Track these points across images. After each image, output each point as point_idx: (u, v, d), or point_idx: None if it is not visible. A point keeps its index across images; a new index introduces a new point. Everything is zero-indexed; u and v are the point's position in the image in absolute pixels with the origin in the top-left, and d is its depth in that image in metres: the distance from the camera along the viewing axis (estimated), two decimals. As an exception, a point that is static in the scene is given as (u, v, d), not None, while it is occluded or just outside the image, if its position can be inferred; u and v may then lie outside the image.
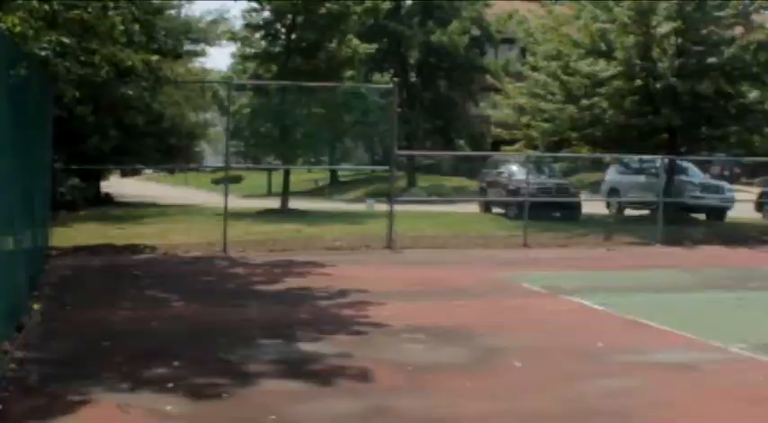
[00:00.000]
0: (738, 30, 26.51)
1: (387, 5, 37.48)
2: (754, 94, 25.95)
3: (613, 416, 7.50)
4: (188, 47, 39.43)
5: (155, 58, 19.23)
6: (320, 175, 53.19)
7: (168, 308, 12.25)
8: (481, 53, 46.97)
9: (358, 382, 8.24)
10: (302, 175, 49.89)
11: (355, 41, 31.25)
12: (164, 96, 32.80)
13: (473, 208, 29.67)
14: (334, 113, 30.52)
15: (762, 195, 31.63)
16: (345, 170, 54.61)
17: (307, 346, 9.69)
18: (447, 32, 42.61)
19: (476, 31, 45.83)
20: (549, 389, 8.20)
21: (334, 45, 30.54)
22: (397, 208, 21.25)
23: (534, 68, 27.91)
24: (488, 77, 42.75)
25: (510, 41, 46.93)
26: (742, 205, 29.64)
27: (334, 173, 52.65)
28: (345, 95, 31.31)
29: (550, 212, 25.84)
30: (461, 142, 46.17)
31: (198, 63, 40.92)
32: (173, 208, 32.82)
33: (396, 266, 17.09)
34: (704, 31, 25.59)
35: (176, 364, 8.71)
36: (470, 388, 8.15)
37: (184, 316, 11.62)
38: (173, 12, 38.27)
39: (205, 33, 40.33)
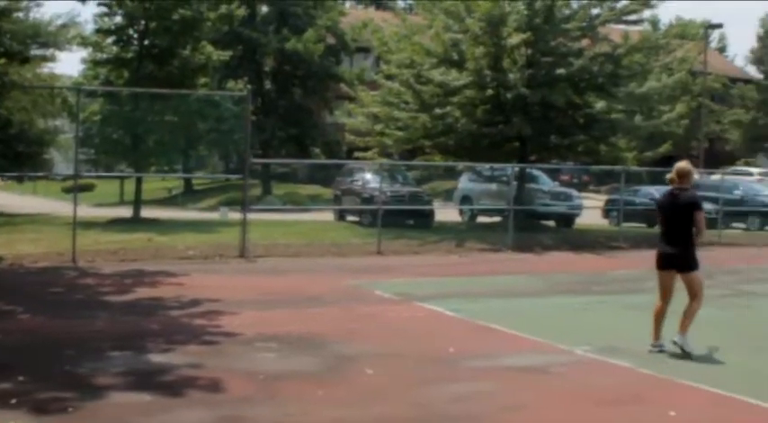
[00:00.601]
0: (585, 42, 27.28)
1: (241, 12, 37.19)
2: (600, 105, 26.75)
3: (463, 420, 7.59)
4: (36, 51, 38.25)
5: (0, 61, 18.61)
6: (174, 183, 52.40)
7: (13, 320, 11.84)
8: (336, 61, 47.07)
9: (209, 393, 8.13)
10: (155, 184, 49.08)
11: (209, 48, 30.90)
12: (11, 102, 31.77)
13: (328, 216, 29.70)
14: (188, 121, 30.05)
15: (608, 202, 32.59)
16: (200, 178, 53.96)
17: (157, 358, 9.51)
18: (302, 40, 42.53)
19: (331, 40, 45.92)
20: (400, 395, 8.25)
21: (187, 51, 30.12)
22: (252, 216, 21.11)
23: (388, 77, 28.12)
24: (344, 86, 42.89)
25: (365, 50, 47.18)
26: (590, 212, 30.45)
27: (188, 181, 51.97)
28: (199, 103, 30.89)
29: (404, 220, 26.05)
30: (316, 150, 46.15)
31: (47, 68, 39.67)
32: (20, 217, 31.86)
33: (249, 275, 16.95)
34: (553, 43, 26.22)
35: (21, 378, 8.41)
36: (322, 396, 8.13)
37: (30, 329, 11.25)
38: (20, 14, 37.09)
39: (54, 37, 39.16)
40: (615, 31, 28.70)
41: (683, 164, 11.02)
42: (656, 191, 30.96)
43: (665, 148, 30.21)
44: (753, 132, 63.94)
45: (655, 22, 71.69)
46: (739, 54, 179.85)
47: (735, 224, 31.69)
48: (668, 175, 10.94)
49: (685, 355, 10.30)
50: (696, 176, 36.41)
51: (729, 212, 30.12)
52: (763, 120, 63.34)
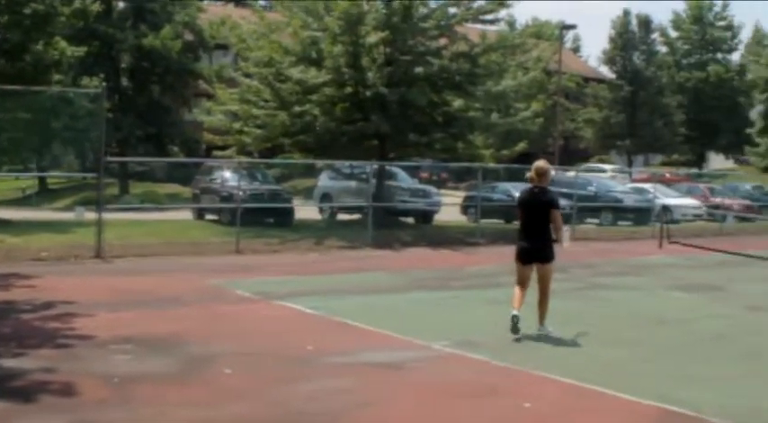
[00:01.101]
0: (444, 41, 27.62)
1: (96, 8, 36.35)
2: (458, 103, 27.11)
3: (321, 417, 7.60)
4: None
5: None
6: (28, 182, 50.86)
7: None
8: (195, 58, 46.44)
9: (62, 397, 7.93)
10: (8, 184, 47.58)
11: (63, 44, 30.09)
12: None
13: (187, 215, 29.30)
14: (42, 118, 29.23)
15: (467, 199, 33.08)
16: (55, 177, 52.56)
17: (8, 363, 9.21)
18: (159, 37, 41.81)
19: (189, 36, 45.29)
20: (257, 394, 8.21)
21: (40, 47, 29.28)
22: (109, 216, 20.70)
23: (247, 75, 27.92)
24: (202, 83, 42.38)
25: (224, 47, 46.68)
26: (448, 209, 30.86)
27: (43, 180, 50.52)
28: (53, 100, 30.06)
29: (264, 218, 25.88)
30: (175, 149, 45.45)
31: None
32: None
33: (105, 276, 16.58)
34: (411, 42, 26.46)
35: None
36: (178, 397, 8.03)
37: None
38: None
39: None
40: (473, 30, 29.14)
41: (541, 163, 11.52)
42: (514, 187, 31.68)
43: (521, 146, 30.85)
44: (606, 130, 65.82)
45: (512, 23, 73.16)
46: (593, 54, 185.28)
47: (589, 219, 32.55)
48: (528, 174, 11.39)
49: (555, 340, 10.92)
50: (552, 173, 37.28)
51: (583, 208, 30.93)
52: (615, 118, 65.24)
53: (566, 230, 12.57)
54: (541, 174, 11.29)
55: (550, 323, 11.35)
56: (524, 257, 11.33)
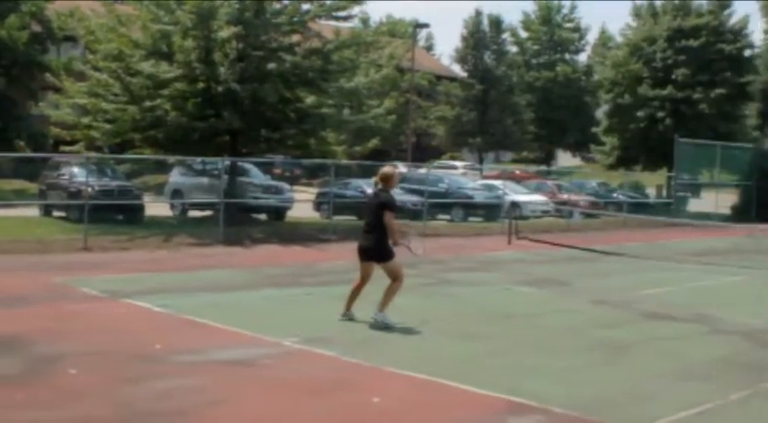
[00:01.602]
0: (297, 37, 27.58)
1: (-64, -4, 35.06)
2: (311, 99, 27.13)
3: (171, 416, 7.53)
4: None
5: None
6: None
7: None
8: (43, 50, 45.15)
9: None
10: None
11: None
12: None
13: (34, 211, 28.48)
14: None
15: (319, 195, 33.11)
16: None
17: None
18: (5, 27, 40.52)
19: (37, 27, 44.02)
20: (104, 394, 8.08)
21: None
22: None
23: (96, 68, 27.27)
24: (50, 76, 41.23)
25: (73, 39, 45.53)
26: (301, 205, 30.84)
27: None
28: None
29: (113, 215, 25.39)
30: (21, 143, 44.09)
31: None
32: None
33: (-55, 274, 16.03)
34: (264, 38, 26.32)
35: None
36: (22, 399, 7.83)
37: None
38: None
39: None
40: (326, 27, 29.19)
41: (386, 169, 12.08)
42: (367, 184, 31.85)
43: (372, 143, 31.06)
44: (457, 128, 66.77)
45: (365, 20, 73.65)
46: (445, 53, 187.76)
47: (440, 216, 33.00)
48: (375, 178, 11.95)
49: (386, 328, 11.30)
50: (404, 170, 37.47)
51: (435, 204, 31.36)
52: (466, 116, 66.24)
53: (415, 236, 13.05)
54: (385, 179, 11.86)
55: (399, 318, 11.53)
56: (360, 254, 11.95)
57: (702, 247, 26.54)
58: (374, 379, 9.05)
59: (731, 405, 8.55)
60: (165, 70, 25.19)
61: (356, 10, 28.59)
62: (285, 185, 31.29)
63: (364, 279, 11.94)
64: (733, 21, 49.33)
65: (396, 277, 11.67)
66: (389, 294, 11.68)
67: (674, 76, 46.56)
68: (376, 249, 11.66)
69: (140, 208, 26.60)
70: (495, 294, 15.72)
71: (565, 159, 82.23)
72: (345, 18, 28.76)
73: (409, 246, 12.11)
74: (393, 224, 11.56)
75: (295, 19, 26.60)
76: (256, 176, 30.35)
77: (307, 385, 8.71)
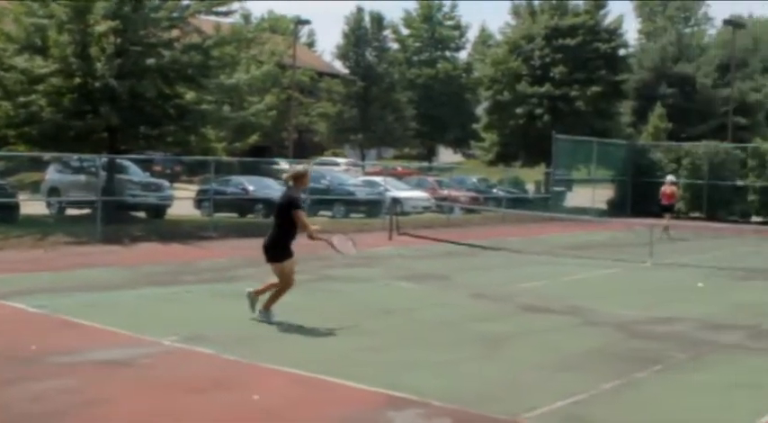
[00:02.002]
0: (176, 32, 27.25)
1: None
2: (190, 95, 26.85)
3: (47, 418, 7.39)
4: None
5: None
6: None
7: None
8: None
9: None
10: None
11: None
12: None
13: None
14: None
15: (200, 193, 32.77)
16: None
17: None
18: None
19: None
20: (-25, 397, 7.90)
21: None
22: None
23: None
24: None
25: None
26: (182, 202, 30.47)
27: None
28: None
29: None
30: None
31: None
32: None
33: None
34: (142, 33, 25.95)
35: None
36: None
37: None
38: None
39: None
40: (207, 22, 28.94)
41: (299, 167, 12.26)
42: (248, 181, 31.75)
43: (253, 139, 30.92)
44: (339, 125, 66.88)
45: (246, 16, 73.18)
46: (327, 50, 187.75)
47: (322, 212, 32.98)
48: (284, 175, 11.82)
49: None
50: (285, 166, 37.35)
51: (317, 201, 31.37)
52: (348, 113, 66.39)
53: (344, 236, 13.00)
54: (296, 178, 11.82)
55: (281, 314, 11.54)
56: (264, 255, 11.82)
57: (579, 242, 27.15)
58: (254, 376, 9.04)
59: (603, 394, 8.79)
60: (40, 65, 24.66)
61: (236, 6, 28.48)
62: (165, 183, 30.86)
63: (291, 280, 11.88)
64: (608, 20, 50.62)
65: (283, 280, 11.66)
66: (273, 296, 11.74)
67: (551, 74, 47.53)
68: (274, 248, 11.62)
69: (15, 206, 25.87)
70: (376, 290, 15.81)
71: (446, 156, 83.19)
72: (226, 14, 28.62)
73: (334, 245, 12.19)
74: (305, 221, 11.54)
75: (174, 14, 26.33)
76: (135, 174, 29.84)
77: (186, 384, 8.64)
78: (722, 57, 63.31)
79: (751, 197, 39.67)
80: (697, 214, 39.05)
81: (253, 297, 11.96)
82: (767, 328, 12.99)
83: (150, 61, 25.49)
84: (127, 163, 28.89)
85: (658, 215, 31.39)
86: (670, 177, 32.51)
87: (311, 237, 11.61)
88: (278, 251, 11.61)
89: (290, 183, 11.90)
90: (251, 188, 31.28)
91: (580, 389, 8.85)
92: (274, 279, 11.83)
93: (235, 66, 28.21)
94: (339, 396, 8.43)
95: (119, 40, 25.69)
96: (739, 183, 40.00)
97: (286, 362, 9.52)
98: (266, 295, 11.93)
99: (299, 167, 12.21)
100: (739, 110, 56.93)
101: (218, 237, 24.74)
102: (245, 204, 31.19)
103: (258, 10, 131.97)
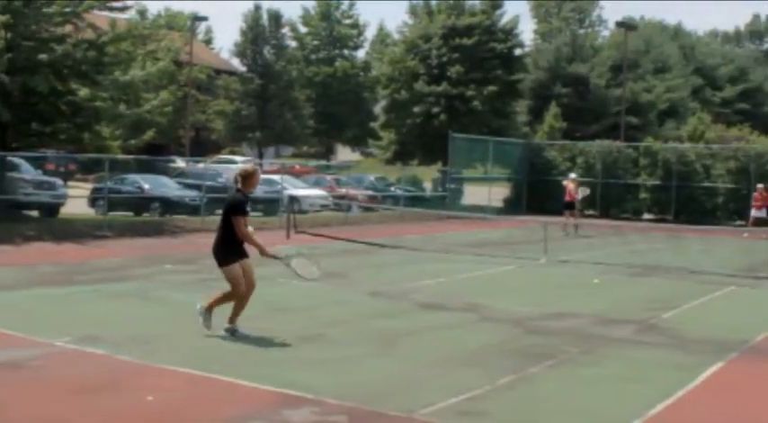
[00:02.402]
0: (70, 28, 26.77)
1: None
2: (84, 92, 26.42)
3: (-70, 423, 7.22)
4: None
5: None
6: None
7: None
8: None
9: None
10: None
11: None
12: None
13: None
14: None
15: (95, 191, 32.24)
16: None
17: None
18: None
19: None
20: None
21: None
22: None
23: None
24: None
25: None
26: (76, 201, 29.93)
27: None
28: None
29: None
30: None
31: None
32: None
33: None
34: (34, 27, 25.47)
35: None
36: None
37: None
38: None
39: None
40: (102, 18, 28.49)
41: (247, 167, 11.42)
42: (144, 179, 31.31)
43: (148, 136, 30.54)
44: (237, 122, 66.43)
45: (143, 12, 72.14)
46: (225, 47, 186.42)
47: (219, 211, 32.58)
48: (235, 176, 11.11)
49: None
50: (182, 164, 36.95)
51: (213, 199, 31.05)
52: (246, 110, 65.99)
53: (305, 258, 11.99)
54: (243, 177, 11.02)
55: (175, 313, 11.40)
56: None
57: (475, 239, 27.44)
58: (148, 377, 8.94)
59: (499, 389, 8.93)
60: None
61: (132, 2, 28.11)
62: (58, 181, 30.21)
63: (246, 284, 11.04)
64: (504, 21, 51.22)
65: (233, 286, 10.91)
66: (220, 299, 11.03)
67: (448, 74, 47.94)
68: (217, 252, 10.93)
69: None
70: (273, 289, 15.66)
71: (344, 154, 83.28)
72: (121, 9, 28.25)
73: (292, 266, 11.53)
74: (245, 232, 10.78)
75: (68, 9, 25.83)
76: (27, 172, 29.13)
77: (79, 386, 8.51)
78: (615, 58, 64.55)
79: (643, 195, 40.71)
80: (591, 212, 39.78)
81: (204, 312, 10.99)
82: (657, 323, 13.31)
83: (42, 57, 24.99)
84: (18, 161, 28.20)
85: (559, 213, 32.08)
86: (572, 175, 33.26)
87: (263, 254, 10.98)
88: (221, 254, 10.90)
89: (238, 183, 11.05)
90: (147, 187, 30.85)
91: (476, 384, 8.97)
92: (226, 287, 11.09)
93: (130, 62, 27.82)
94: (234, 395, 8.39)
95: (9, 35, 25.15)
96: (631, 181, 40.96)
97: (180, 362, 9.44)
98: (227, 308, 11.10)
99: (247, 166, 11.39)
100: (631, 110, 58.22)
101: (113, 236, 24.38)
102: (140, 203, 30.75)
103: (155, 6, 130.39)
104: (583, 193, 32.07)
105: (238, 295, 10.93)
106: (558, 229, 29.79)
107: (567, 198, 31.30)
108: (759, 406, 8.90)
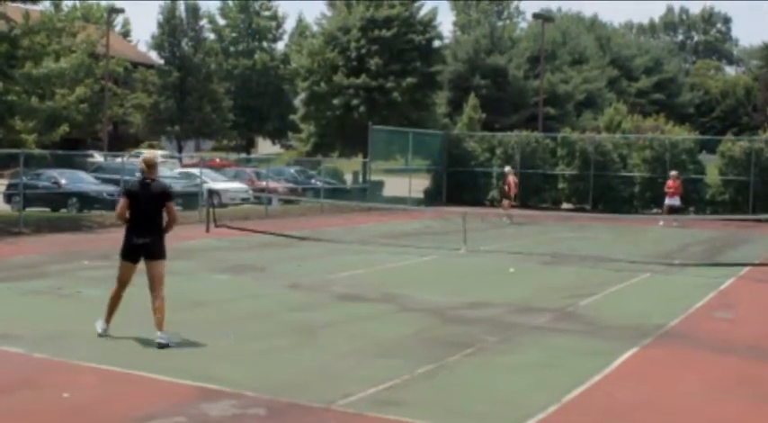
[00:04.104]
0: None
1: None
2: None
3: None
4: None
5: None
6: None
7: None
8: None
9: None
10: None
11: None
12: None
13: None
14: None
15: (10, 187, 31.72)
16: None
17: None
18: None
19: None
20: None
21: None
22: None
23: None
24: None
25: None
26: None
27: None
28: None
29: None
30: None
31: None
32: None
33: None
34: (-57, 20, 24.98)
35: None
36: None
37: None
38: None
39: None
40: (15, 10, 27.99)
41: (150, 155, 11.18)
42: (60, 174, 30.87)
43: (64, 131, 30.07)
44: (155, 116, 65.58)
45: (57, 4, 70.99)
46: (142, 39, 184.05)
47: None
48: (141, 165, 10.87)
49: (177, 345, 10.30)
50: (100, 159, 36.47)
51: (132, 194, 30.76)
52: (164, 104, 65.26)
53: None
54: (151, 165, 10.78)
55: (91, 310, 11.28)
56: (133, 254, 10.73)
57: (396, 231, 27.58)
58: (64, 374, 8.89)
59: (418, 378, 9.05)
60: None
61: (45, -7, 27.65)
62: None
63: (125, 284, 10.86)
64: (423, 13, 51.37)
65: (159, 283, 10.67)
66: (161, 309, 10.51)
67: (367, 65, 47.91)
68: (155, 245, 10.60)
69: None
70: (191, 283, 15.62)
71: (265, 147, 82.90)
72: (35, 1, 27.73)
73: None
74: (176, 215, 10.86)
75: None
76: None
77: (-5, 384, 8.42)
78: (533, 49, 65.39)
79: (561, 185, 41.25)
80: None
81: (160, 335, 10.31)
82: (574, 311, 13.56)
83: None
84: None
85: (479, 203, 32.84)
86: (507, 168, 34.67)
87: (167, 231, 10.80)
88: (161, 247, 10.66)
89: (146, 171, 10.73)
90: (64, 182, 30.43)
91: (395, 374, 9.08)
92: (159, 295, 10.63)
93: (45, 55, 27.37)
94: (152, 391, 8.39)
95: None
96: (550, 171, 41.50)
97: (97, 358, 9.40)
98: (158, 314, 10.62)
99: (150, 154, 11.17)
100: (549, 101, 58.99)
101: (30, 232, 23.99)
102: (57, 198, 30.31)
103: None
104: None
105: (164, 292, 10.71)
106: (476, 220, 30.10)
107: (507, 189, 32.49)
108: (672, 390, 9.13)
